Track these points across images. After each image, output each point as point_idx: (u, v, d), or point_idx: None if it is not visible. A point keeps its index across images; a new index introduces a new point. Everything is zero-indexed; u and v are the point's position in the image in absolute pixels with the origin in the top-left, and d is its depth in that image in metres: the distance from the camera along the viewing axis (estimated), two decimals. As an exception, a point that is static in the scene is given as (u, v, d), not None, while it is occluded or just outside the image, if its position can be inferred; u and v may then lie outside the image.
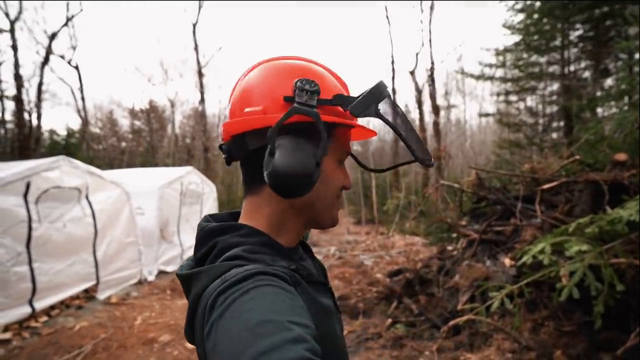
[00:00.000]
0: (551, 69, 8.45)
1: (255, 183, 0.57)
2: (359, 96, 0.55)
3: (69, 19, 14.58)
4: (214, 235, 0.55)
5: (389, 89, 0.57)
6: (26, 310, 3.72)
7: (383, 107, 0.55)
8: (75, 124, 21.86)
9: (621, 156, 2.93)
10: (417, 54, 15.02)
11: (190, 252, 6.77)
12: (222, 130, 0.59)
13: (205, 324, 0.43)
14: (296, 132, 0.51)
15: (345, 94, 0.57)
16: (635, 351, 1.96)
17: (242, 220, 0.59)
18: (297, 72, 0.56)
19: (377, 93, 0.55)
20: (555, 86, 8.65)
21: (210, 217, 0.61)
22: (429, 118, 16.03)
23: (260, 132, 0.53)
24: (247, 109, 0.55)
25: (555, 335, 2.49)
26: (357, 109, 0.54)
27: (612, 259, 1.99)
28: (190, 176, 6.83)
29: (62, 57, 15.21)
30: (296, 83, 0.52)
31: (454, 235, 4.35)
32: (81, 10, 15.51)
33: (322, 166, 0.55)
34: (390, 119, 0.55)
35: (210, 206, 7.52)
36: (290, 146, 0.50)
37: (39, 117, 14.34)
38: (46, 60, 14.04)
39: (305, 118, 0.51)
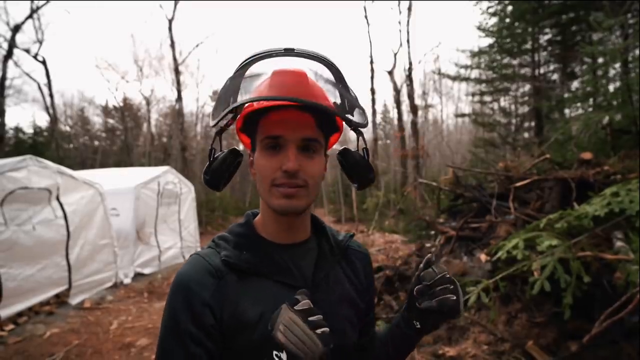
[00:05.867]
0: (523, 71, 8.80)
1: None
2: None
3: (33, 11, 13.81)
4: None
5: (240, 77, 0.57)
6: (-9, 318, 3.53)
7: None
8: (43, 121, 20.79)
9: (587, 155, 3.10)
10: (395, 54, 15.24)
11: (167, 254, 6.61)
12: None
13: None
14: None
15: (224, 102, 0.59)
16: (599, 338, 2.08)
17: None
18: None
19: (223, 97, 0.56)
20: (527, 87, 9.02)
21: None
22: (407, 117, 16.32)
23: None
24: None
25: (527, 327, 2.61)
26: (213, 120, 0.58)
27: (579, 252, 2.10)
28: (167, 176, 6.65)
29: (27, 51, 14.39)
30: None
31: (432, 232, 4.46)
32: (47, 1, 14.67)
33: (255, 159, 0.63)
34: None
35: (188, 206, 7.35)
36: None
37: (2, 114, 13.51)
38: (9, 54, 13.25)
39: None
